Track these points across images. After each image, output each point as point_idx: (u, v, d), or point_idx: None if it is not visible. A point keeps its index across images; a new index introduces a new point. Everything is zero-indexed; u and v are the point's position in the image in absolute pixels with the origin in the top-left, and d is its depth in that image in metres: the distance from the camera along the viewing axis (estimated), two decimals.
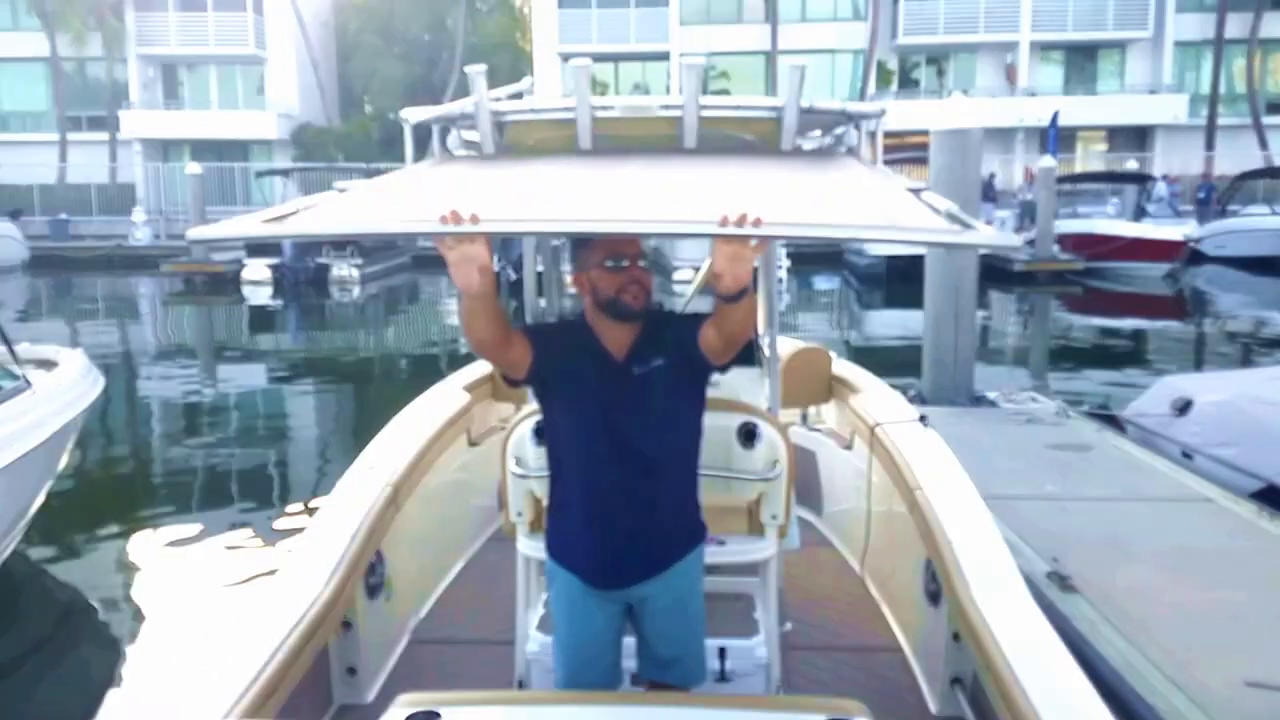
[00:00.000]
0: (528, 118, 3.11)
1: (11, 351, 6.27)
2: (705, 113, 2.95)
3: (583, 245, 2.70)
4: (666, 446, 2.73)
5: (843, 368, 5.77)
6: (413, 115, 3.20)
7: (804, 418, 5.82)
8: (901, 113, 34.69)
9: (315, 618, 3.06)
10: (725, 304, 2.39)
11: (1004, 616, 2.97)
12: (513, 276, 23.29)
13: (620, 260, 2.59)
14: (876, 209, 2.39)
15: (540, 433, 3.32)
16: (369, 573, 3.78)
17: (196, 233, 2.30)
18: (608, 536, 2.73)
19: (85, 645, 5.95)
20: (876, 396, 5.22)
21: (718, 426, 3.43)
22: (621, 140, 3.09)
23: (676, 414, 2.75)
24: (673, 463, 2.77)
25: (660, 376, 2.66)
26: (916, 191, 2.41)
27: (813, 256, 27.82)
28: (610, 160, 2.89)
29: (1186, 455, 7.02)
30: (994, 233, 2.16)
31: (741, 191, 2.60)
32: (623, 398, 2.66)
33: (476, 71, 2.97)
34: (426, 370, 15.44)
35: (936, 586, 3.68)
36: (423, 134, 3.26)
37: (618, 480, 2.69)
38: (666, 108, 2.99)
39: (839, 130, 3.36)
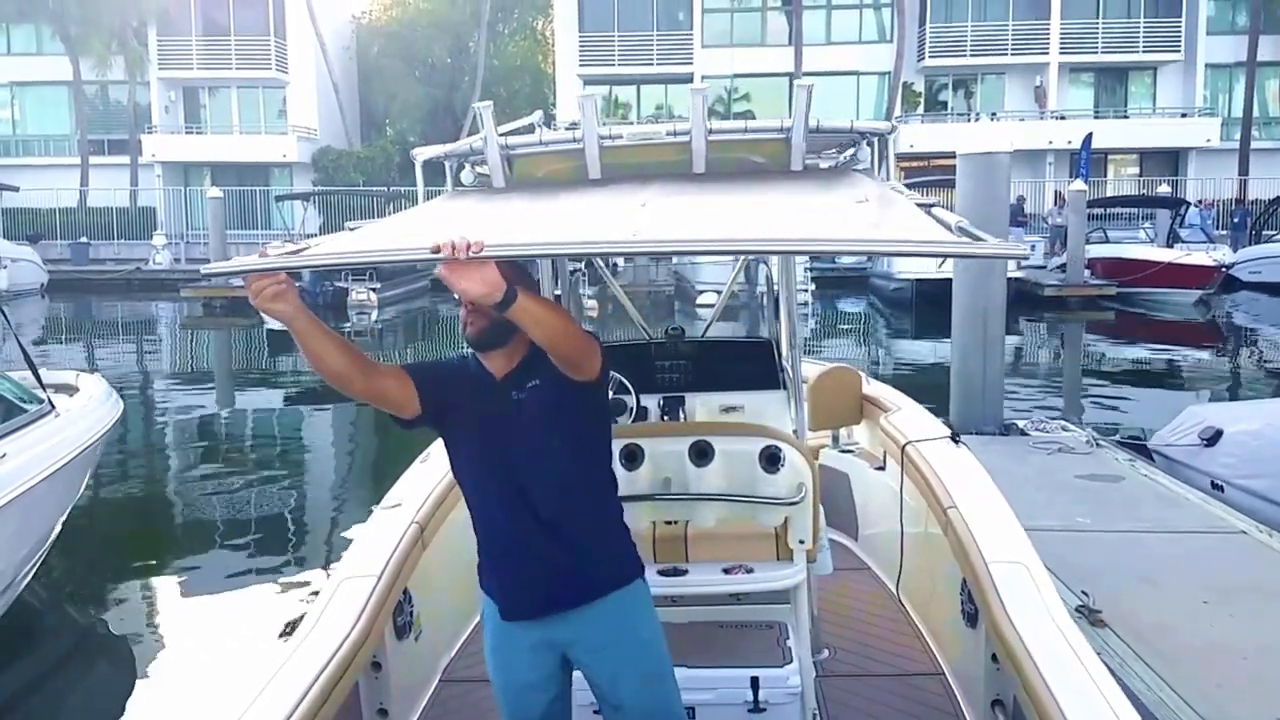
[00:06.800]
0: (536, 151, 3.10)
1: (36, 375, 6.30)
2: (713, 136, 2.93)
3: None
4: (551, 470, 2.66)
5: (874, 388, 5.73)
6: (423, 154, 3.26)
7: (835, 439, 5.76)
8: (929, 135, 34.72)
9: (344, 658, 3.01)
10: (498, 314, 2.34)
11: (1043, 637, 2.92)
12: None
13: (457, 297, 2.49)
14: (886, 223, 2.37)
15: None
16: (397, 612, 3.73)
17: (211, 268, 2.40)
18: (504, 564, 2.70)
19: (105, 676, 5.91)
20: (907, 415, 5.15)
21: (740, 452, 3.43)
22: (631, 168, 3.08)
23: (561, 437, 2.67)
24: (564, 490, 2.67)
25: (537, 396, 2.63)
26: (926, 207, 2.43)
27: (838, 280, 27.72)
28: (620, 187, 2.87)
29: (1216, 486, 6.91)
30: (1001, 243, 2.14)
31: (749, 211, 2.58)
32: (502, 420, 2.64)
33: (484, 107, 2.98)
34: None
35: (974, 608, 3.61)
36: (439, 166, 3.30)
37: (504, 507, 2.65)
38: (674, 134, 2.97)
39: (852, 149, 3.35)
